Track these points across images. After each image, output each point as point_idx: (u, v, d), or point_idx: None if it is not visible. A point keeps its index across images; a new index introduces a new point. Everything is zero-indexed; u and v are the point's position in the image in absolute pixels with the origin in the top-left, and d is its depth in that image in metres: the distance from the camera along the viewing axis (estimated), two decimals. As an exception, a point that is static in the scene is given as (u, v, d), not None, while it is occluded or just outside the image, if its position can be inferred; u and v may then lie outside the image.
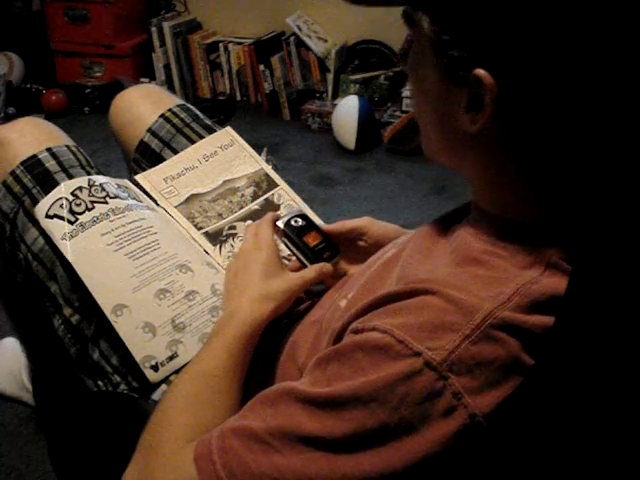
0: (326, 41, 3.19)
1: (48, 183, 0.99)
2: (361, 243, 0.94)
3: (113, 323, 0.90)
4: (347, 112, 2.75)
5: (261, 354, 0.84)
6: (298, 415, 0.56)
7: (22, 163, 1.00)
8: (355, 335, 0.58)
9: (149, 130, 1.20)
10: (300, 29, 3.13)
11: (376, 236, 0.93)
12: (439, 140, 0.64)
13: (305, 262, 0.90)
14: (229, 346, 0.76)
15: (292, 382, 0.60)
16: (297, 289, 0.85)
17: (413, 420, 0.53)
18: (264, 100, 3.22)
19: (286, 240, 0.92)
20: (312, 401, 0.56)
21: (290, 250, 0.92)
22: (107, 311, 0.90)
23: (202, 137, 1.19)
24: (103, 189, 1.00)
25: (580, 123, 0.54)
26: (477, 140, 0.58)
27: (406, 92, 2.89)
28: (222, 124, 1.28)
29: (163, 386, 0.89)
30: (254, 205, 1.13)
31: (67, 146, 1.06)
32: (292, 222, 0.93)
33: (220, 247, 1.07)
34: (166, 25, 3.23)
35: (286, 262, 0.93)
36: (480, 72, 0.53)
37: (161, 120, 1.20)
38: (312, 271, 0.88)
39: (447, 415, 0.52)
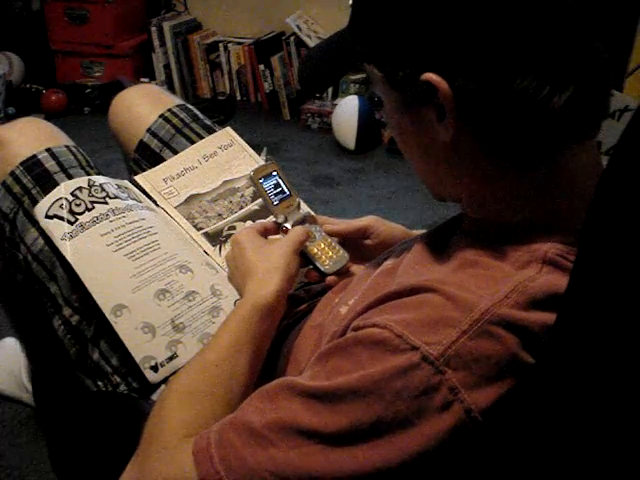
0: (326, 41, 3.19)
1: (48, 183, 0.99)
2: (367, 242, 0.94)
3: (113, 323, 0.90)
4: (347, 112, 2.75)
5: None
6: (296, 408, 0.56)
7: (22, 163, 1.01)
8: (356, 332, 0.59)
9: (149, 130, 1.20)
10: (300, 29, 3.13)
11: (382, 235, 0.93)
12: (435, 176, 0.66)
13: (322, 271, 0.89)
14: (228, 331, 0.74)
15: (292, 377, 0.61)
16: (291, 250, 0.81)
17: (409, 414, 0.53)
18: (264, 100, 3.22)
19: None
20: (311, 394, 0.56)
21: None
22: (107, 311, 0.90)
23: (202, 137, 1.19)
24: (103, 189, 1.00)
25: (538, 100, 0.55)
26: (457, 150, 0.60)
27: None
28: (222, 124, 1.28)
29: (163, 387, 0.89)
30: (254, 205, 1.13)
31: (67, 146, 1.06)
32: None
33: (220, 247, 1.07)
34: (166, 25, 3.23)
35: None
36: (426, 76, 0.56)
37: (161, 120, 1.20)
38: (296, 231, 0.84)
39: (443, 410, 0.53)
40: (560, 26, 0.55)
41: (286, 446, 0.55)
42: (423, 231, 0.93)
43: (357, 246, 0.94)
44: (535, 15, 0.54)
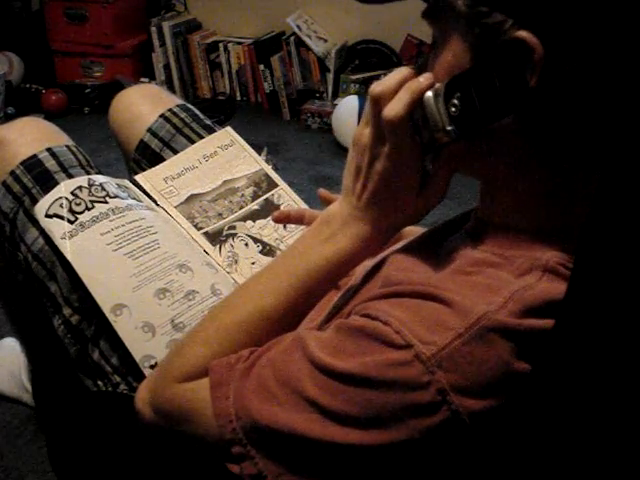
0: (326, 41, 3.19)
1: (48, 183, 0.99)
2: None
3: (112, 322, 0.90)
4: (347, 112, 2.75)
5: None
6: (304, 373, 0.58)
7: (22, 163, 1.01)
8: (361, 318, 0.59)
9: (149, 130, 1.20)
10: (300, 29, 3.13)
11: None
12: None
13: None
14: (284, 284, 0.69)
15: (308, 334, 0.62)
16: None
17: (397, 407, 0.54)
18: (264, 100, 3.22)
19: None
20: (317, 365, 0.58)
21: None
22: (106, 310, 0.90)
23: (202, 137, 1.19)
24: (103, 189, 1.00)
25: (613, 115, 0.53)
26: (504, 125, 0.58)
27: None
28: (222, 124, 1.28)
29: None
30: (254, 205, 1.13)
31: (67, 146, 1.06)
32: None
33: (220, 247, 1.07)
34: (166, 25, 3.23)
35: None
36: (524, 34, 0.53)
37: (161, 120, 1.20)
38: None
39: (430, 409, 0.53)
40: None
41: (290, 407, 0.58)
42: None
43: None
44: None
